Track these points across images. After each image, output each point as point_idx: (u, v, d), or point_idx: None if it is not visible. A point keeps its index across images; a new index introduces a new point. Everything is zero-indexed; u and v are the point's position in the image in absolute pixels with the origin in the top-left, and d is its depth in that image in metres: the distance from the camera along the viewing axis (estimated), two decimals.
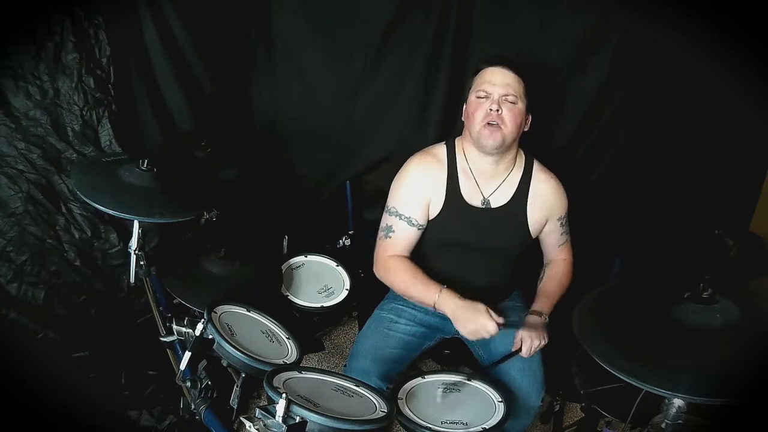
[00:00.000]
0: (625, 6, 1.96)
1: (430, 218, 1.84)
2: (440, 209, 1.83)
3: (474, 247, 1.85)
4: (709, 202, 2.24)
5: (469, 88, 1.81)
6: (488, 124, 1.72)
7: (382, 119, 2.34)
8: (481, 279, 1.89)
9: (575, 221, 1.97)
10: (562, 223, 1.92)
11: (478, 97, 1.75)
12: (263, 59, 2.38)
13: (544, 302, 1.87)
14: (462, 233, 1.84)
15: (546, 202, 1.87)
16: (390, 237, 1.83)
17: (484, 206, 1.83)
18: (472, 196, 1.83)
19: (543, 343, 1.77)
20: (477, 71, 1.80)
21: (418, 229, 1.83)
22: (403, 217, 1.82)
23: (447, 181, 1.82)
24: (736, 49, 1.87)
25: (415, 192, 1.82)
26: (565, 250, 1.98)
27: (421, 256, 1.92)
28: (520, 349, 1.75)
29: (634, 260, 2.09)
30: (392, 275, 1.82)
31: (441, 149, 1.87)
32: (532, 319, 1.81)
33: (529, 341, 1.75)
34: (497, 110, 1.70)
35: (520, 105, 1.73)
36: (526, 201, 1.84)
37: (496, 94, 1.71)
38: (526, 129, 1.81)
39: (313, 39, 2.26)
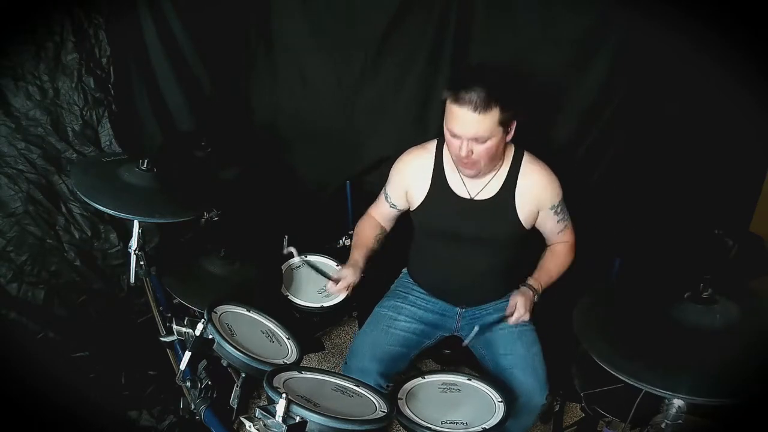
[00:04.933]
0: (625, 6, 1.96)
1: (416, 205, 1.92)
2: (425, 195, 1.89)
3: (464, 238, 1.87)
4: (709, 202, 2.23)
5: (444, 104, 1.74)
6: (462, 161, 1.74)
7: (382, 119, 2.34)
8: (475, 272, 1.91)
9: (575, 221, 1.97)
10: (556, 211, 1.89)
11: (449, 134, 1.72)
12: (263, 59, 2.38)
13: (539, 277, 1.89)
14: (450, 221, 1.87)
15: (534, 193, 1.84)
16: (376, 203, 2.09)
17: (470, 198, 1.86)
18: (458, 187, 1.87)
19: (526, 317, 1.81)
20: (446, 92, 1.73)
21: (390, 207, 2.01)
22: (385, 192, 2.03)
23: (433, 170, 1.89)
24: (736, 49, 1.86)
25: (397, 178, 1.97)
26: (566, 234, 1.96)
27: (416, 247, 2.03)
28: (510, 315, 1.81)
29: (634, 260, 2.08)
30: (357, 226, 2.09)
31: (432, 143, 1.93)
32: (525, 291, 1.84)
33: (522, 311, 1.79)
34: (467, 155, 1.70)
35: (493, 140, 1.69)
36: (514, 193, 1.84)
37: (464, 138, 1.69)
38: (509, 139, 1.78)
39: (313, 39, 2.26)
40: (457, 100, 1.65)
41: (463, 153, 1.70)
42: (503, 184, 1.84)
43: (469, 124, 1.65)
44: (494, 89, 1.64)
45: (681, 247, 2.17)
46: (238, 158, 2.26)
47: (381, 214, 2.05)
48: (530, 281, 1.87)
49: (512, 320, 1.81)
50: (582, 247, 2.01)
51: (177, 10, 2.18)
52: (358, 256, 1.94)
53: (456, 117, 1.67)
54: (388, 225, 2.06)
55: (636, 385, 1.16)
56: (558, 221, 1.91)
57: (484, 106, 1.62)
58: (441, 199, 1.88)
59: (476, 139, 1.68)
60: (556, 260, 1.95)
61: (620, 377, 1.16)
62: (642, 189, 2.28)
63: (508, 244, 1.90)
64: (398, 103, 2.30)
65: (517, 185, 1.84)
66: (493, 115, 1.65)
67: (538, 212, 1.88)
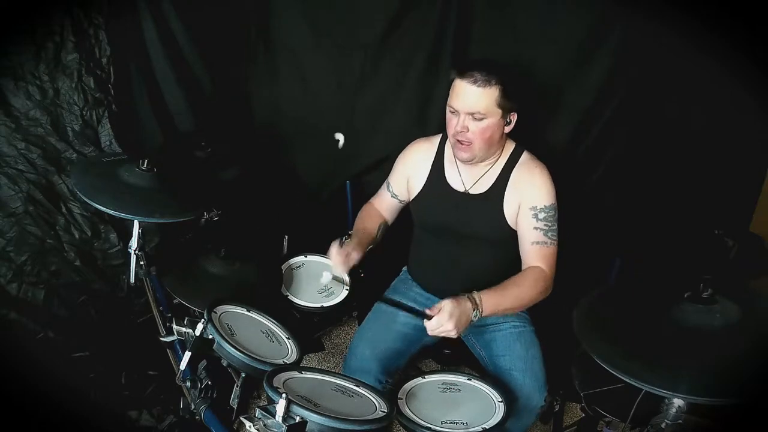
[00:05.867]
0: (625, 6, 1.96)
1: (414, 196, 1.95)
2: (422, 187, 1.93)
3: (458, 234, 1.87)
4: (709, 202, 2.23)
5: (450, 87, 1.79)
6: (458, 141, 1.76)
7: (382, 119, 2.34)
8: (472, 269, 1.90)
9: (575, 221, 1.95)
10: (536, 215, 1.77)
11: (449, 111, 1.77)
12: (263, 59, 2.38)
13: (489, 296, 1.66)
14: (444, 216, 1.88)
15: (520, 187, 1.81)
16: (377, 194, 2.09)
17: (464, 191, 1.87)
18: (454, 180, 1.89)
19: (452, 333, 1.55)
20: (453, 70, 1.78)
21: (392, 197, 2.02)
22: (387, 182, 2.05)
23: (432, 163, 1.93)
24: (736, 49, 1.86)
25: (400, 167, 2.01)
26: (540, 254, 1.77)
27: (415, 244, 2.05)
28: (429, 317, 1.57)
29: (634, 260, 2.08)
30: (359, 213, 2.08)
31: (437, 137, 1.98)
32: (462, 300, 1.60)
33: (443, 318, 1.55)
34: (462, 129, 1.73)
35: (490, 119, 1.71)
36: (504, 190, 1.83)
37: (462, 111, 1.72)
38: (508, 130, 1.79)
39: (313, 39, 2.26)
40: (461, 74, 1.72)
41: (459, 128, 1.73)
42: (496, 179, 1.84)
43: (468, 97, 1.70)
44: (497, 69, 1.71)
45: (681, 247, 2.17)
46: (238, 158, 2.26)
47: (382, 205, 2.06)
48: (476, 295, 1.64)
49: (429, 327, 1.57)
50: (582, 247, 2.01)
51: (177, 10, 2.18)
52: (358, 238, 1.87)
53: (457, 91, 1.73)
54: (389, 217, 2.06)
55: (636, 385, 1.16)
56: (535, 227, 1.77)
57: (485, 81, 1.69)
58: (437, 190, 1.90)
59: (473, 115, 1.71)
60: (517, 284, 1.74)
61: (620, 377, 1.16)
62: (642, 189, 2.28)
63: (502, 243, 1.87)
64: (398, 103, 2.30)
65: (509, 181, 1.84)
66: (493, 93, 1.69)
67: (519, 207, 1.80)
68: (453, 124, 1.76)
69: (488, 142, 1.76)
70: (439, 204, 1.90)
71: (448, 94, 1.75)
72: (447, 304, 1.57)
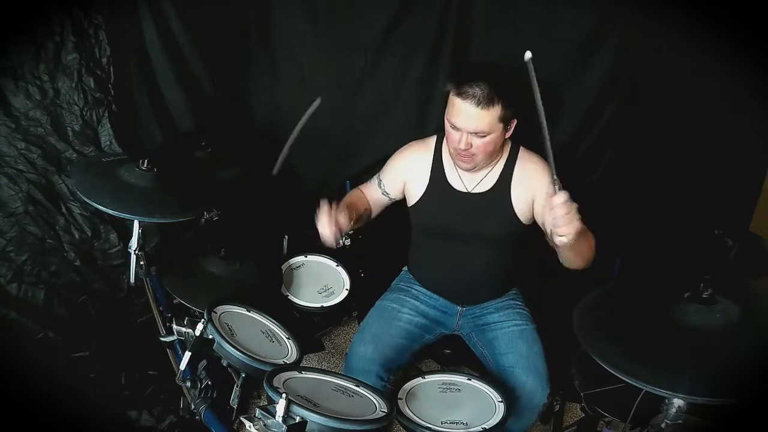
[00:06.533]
0: (625, 6, 1.96)
1: (415, 201, 1.91)
2: (424, 191, 1.89)
3: (462, 235, 1.86)
4: (709, 202, 2.24)
5: (447, 96, 1.74)
6: (460, 153, 1.74)
7: (382, 119, 2.34)
8: (474, 269, 1.91)
9: None
10: None
11: (450, 126, 1.73)
12: (263, 59, 2.38)
13: None
14: (448, 217, 1.87)
15: (529, 181, 1.82)
16: (366, 185, 2.04)
17: (466, 191, 1.86)
18: (455, 181, 1.87)
19: (573, 221, 1.47)
20: (450, 84, 1.72)
21: (383, 194, 1.98)
22: (378, 178, 1.99)
23: (432, 166, 1.90)
24: (736, 49, 1.87)
25: (395, 168, 1.96)
26: None
27: (415, 247, 2.03)
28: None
29: (635, 260, 2.08)
30: (348, 194, 2.02)
31: (432, 139, 1.95)
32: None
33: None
34: (466, 148, 1.71)
35: (493, 135, 1.70)
36: (510, 185, 1.83)
37: (465, 131, 1.69)
38: (508, 135, 1.78)
39: (313, 39, 2.26)
40: (461, 93, 1.67)
41: (462, 146, 1.71)
42: (499, 177, 1.84)
43: (471, 118, 1.66)
44: (498, 86, 1.65)
45: (681, 247, 2.17)
46: (238, 158, 2.26)
47: (370, 196, 2.01)
48: None
49: (558, 199, 1.46)
50: None
51: (177, 10, 2.17)
52: (344, 206, 1.76)
53: (458, 110, 1.68)
54: (374, 209, 2.01)
55: (636, 385, 1.16)
56: None
57: (487, 101, 1.64)
58: (439, 194, 1.88)
59: (476, 133, 1.69)
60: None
61: (620, 377, 1.16)
62: (642, 189, 2.28)
63: (506, 241, 1.89)
64: (398, 103, 2.30)
65: (513, 178, 1.84)
66: (495, 111, 1.66)
67: (534, 201, 1.82)
68: (455, 139, 1.73)
69: (491, 153, 1.76)
70: (442, 206, 1.89)
71: (448, 95, 1.74)
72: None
